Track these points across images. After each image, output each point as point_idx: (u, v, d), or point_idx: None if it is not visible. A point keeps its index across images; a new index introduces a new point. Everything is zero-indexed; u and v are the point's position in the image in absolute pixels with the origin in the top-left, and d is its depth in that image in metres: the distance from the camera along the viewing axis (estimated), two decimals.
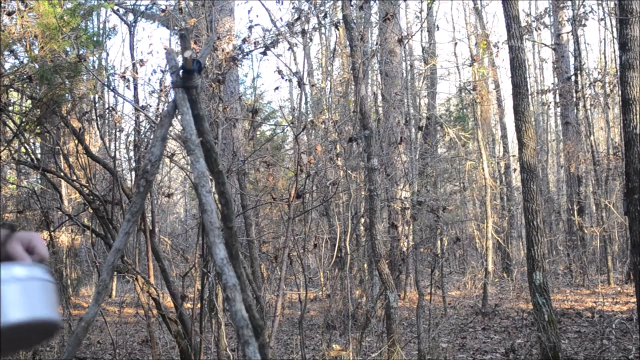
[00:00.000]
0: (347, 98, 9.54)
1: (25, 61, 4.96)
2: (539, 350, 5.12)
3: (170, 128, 2.08)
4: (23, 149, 5.59)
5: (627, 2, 4.83)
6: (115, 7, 6.77)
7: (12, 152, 5.48)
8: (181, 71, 1.78)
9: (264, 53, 5.83)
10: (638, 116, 4.73)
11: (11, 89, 5.29)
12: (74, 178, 5.17)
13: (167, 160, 5.42)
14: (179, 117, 1.77)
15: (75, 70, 4.75)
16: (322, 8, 6.99)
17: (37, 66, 4.72)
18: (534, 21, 12.10)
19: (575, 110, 13.17)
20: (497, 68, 14.66)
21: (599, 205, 12.10)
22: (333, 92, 10.45)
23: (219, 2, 8.18)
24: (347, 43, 6.76)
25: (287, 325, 7.62)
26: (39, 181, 9.98)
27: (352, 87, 7.28)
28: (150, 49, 13.16)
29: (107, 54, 11.46)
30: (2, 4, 4.76)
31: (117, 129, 6.97)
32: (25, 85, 5.15)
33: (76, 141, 5.21)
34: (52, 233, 7.23)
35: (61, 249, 9.36)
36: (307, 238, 5.69)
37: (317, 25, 8.07)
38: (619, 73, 5.17)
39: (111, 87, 5.65)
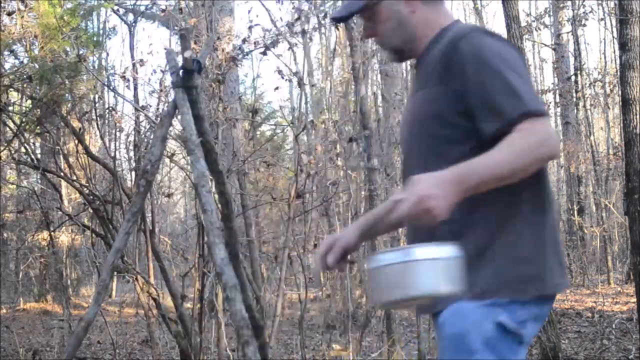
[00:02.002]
0: (347, 98, 9.54)
1: (25, 61, 4.96)
2: (539, 350, 5.12)
3: (170, 128, 2.07)
4: (23, 149, 5.60)
5: (627, 2, 4.82)
6: (115, 7, 6.77)
7: (12, 152, 5.49)
8: (181, 71, 1.78)
9: (264, 53, 5.83)
10: (638, 116, 4.73)
11: (11, 89, 5.29)
12: (74, 178, 5.17)
13: (167, 160, 5.42)
14: (179, 117, 1.77)
15: (75, 70, 4.75)
16: (322, 8, 7.00)
17: (37, 66, 4.72)
18: (534, 21, 12.09)
19: (575, 110, 13.16)
20: None
21: (599, 205, 12.09)
22: (333, 92, 10.45)
23: (219, 2, 8.17)
24: (347, 43, 6.76)
25: (287, 325, 7.61)
26: (39, 181, 9.96)
27: (352, 87, 7.28)
28: (150, 49, 13.14)
29: (107, 54, 11.47)
30: (2, 4, 4.76)
31: (117, 129, 6.96)
32: (25, 85, 5.15)
33: (76, 141, 5.21)
34: (52, 233, 7.23)
35: (61, 249, 9.36)
36: (307, 238, 5.69)
37: (317, 25, 8.07)
38: (619, 73, 5.16)
39: (111, 87, 5.66)
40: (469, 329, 1.54)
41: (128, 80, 5.17)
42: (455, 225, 1.53)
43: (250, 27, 6.04)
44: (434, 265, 1.35)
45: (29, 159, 5.66)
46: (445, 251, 1.37)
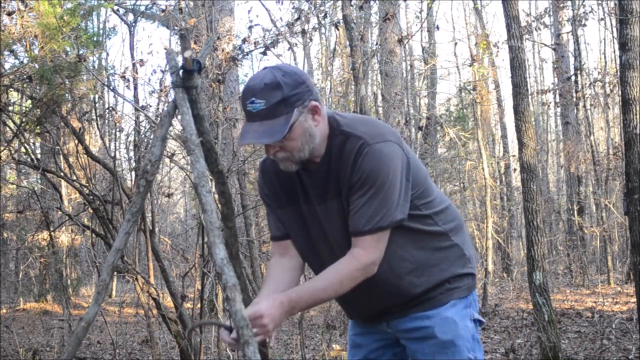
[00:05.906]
0: (347, 98, 9.54)
1: (25, 61, 4.95)
2: (539, 350, 5.12)
3: (170, 128, 2.08)
4: (23, 149, 5.59)
5: (627, 2, 4.82)
6: (115, 7, 6.77)
7: (12, 152, 5.48)
8: (181, 71, 1.77)
9: (264, 53, 5.83)
10: (638, 116, 4.73)
11: (11, 89, 5.28)
12: (74, 178, 5.17)
13: (167, 160, 5.42)
14: (179, 117, 1.77)
15: (75, 70, 4.74)
16: (322, 8, 6.99)
17: (37, 66, 4.72)
18: (534, 21, 12.07)
19: (575, 110, 13.16)
20: (497, 68, 14.65)
21: (599, 205, 12.09)
22: (333, 92, 10.45)
23: (219, 2, 8.17)
24: (347, 43, 6.75)
25: (287, 325, 7.61)
26: (39, 181, 9.97)
27: (352, 87, 7.28)
28: (150, 49, 13.13)
29: (107, 54, 11.44)
30: (2, 4, 4.76)
31: (117, 129, 6.97)
32: (25, 85, 5.14)
33: (76, 141, 5.20)
34: (52, 233, 7.23)
35: (61, 249, 9.36)
36: None
37: (317, 25, 8.06)
38: (619, 73, 5.16)
39: (111, 87, 5.65)
40: (461, 333, 1.96)
41: (128, 80, 5.17)
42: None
43: (250, 27, 6.05)
44: None
45: (29, 159, 5.65)
46: None
